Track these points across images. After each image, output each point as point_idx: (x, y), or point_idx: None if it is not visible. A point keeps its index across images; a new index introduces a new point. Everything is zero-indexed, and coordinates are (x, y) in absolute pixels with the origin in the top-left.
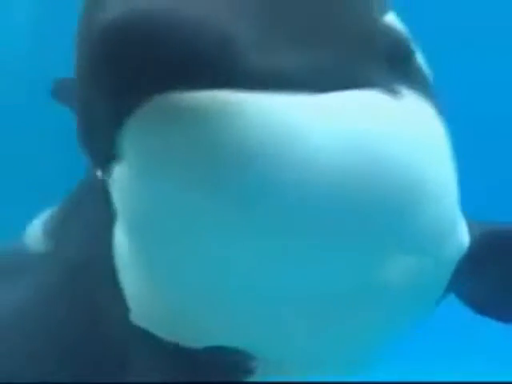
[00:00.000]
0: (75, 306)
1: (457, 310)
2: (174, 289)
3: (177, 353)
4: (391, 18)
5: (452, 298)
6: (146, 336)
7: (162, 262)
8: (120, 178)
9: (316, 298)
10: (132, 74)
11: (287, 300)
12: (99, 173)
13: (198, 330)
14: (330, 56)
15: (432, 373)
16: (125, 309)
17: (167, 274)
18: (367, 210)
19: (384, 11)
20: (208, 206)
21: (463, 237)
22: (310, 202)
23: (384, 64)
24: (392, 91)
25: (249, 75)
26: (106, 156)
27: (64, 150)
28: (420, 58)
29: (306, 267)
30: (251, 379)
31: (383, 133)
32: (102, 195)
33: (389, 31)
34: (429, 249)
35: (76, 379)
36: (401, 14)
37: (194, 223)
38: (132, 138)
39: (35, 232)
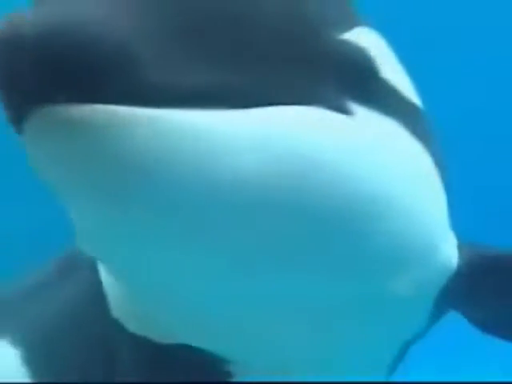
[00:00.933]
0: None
1: (456, 324)
2: (131, 290)
3: (148, 347)
4: (355, 35)
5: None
6: (123, 331)
7: (109, 265)
8: None
9: (271, 305)
10: (21, 84)
11: (238, 305)
12: None
13: (161, 328)
14: (249, 71)
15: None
16: (107, 307)
17: (119, 276)
18: (294, 223)
19: (344, 27)
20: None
21: (450, 257)
22: (214, 212)
23: (332, 81)
24: (338, 108)
25: (146, 90)
26: None
27: None
28: (391, 77)
29: (244, 276)
30: (231, 380)
31: (311, 146)
32: None
33: (341, 48)
34: (401, 266)
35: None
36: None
37: (105, 229)
38: (27, 143)
39: None
